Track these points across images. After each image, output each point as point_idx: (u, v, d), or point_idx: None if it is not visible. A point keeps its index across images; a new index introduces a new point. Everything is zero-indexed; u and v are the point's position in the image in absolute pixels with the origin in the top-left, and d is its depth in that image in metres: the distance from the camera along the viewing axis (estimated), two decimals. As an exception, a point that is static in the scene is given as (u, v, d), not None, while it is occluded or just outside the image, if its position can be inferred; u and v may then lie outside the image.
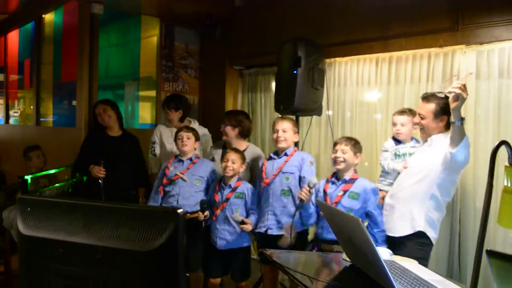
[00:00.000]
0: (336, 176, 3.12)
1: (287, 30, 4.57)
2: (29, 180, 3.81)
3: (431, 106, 2.96)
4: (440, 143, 2.88)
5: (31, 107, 6.05)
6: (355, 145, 3.09)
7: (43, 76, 5.76)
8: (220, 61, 5.49)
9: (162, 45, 5.52)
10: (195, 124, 4.35)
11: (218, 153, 3.89)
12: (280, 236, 3.31)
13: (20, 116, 6.76)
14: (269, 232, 3.34)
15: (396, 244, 2.94)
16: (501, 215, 1.50)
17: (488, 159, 1.47)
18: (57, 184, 4.28)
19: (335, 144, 3.15)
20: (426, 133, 3.04)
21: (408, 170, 3.07)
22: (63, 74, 5.28)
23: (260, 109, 5.32)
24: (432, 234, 2.94)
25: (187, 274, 3.74)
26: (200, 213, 3.39)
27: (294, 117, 3.71)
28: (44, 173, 4.28)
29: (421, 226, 2.92)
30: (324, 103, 4.19)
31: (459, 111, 2.54)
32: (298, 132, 3.57)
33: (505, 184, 1.46)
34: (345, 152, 3.04)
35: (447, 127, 2.93)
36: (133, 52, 5.49)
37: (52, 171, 4.36)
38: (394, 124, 3.33)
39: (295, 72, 3.79)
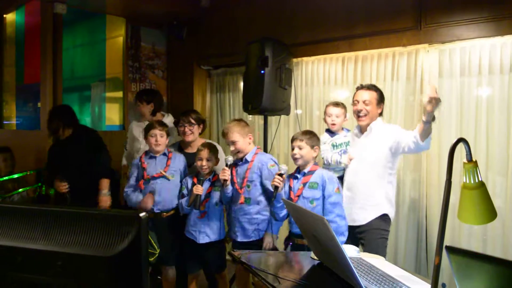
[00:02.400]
0: (298, 170, 3.14)
1: (254, 30, 4.57)
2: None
3: (374, 94, 3.19)
4: (381, 130, 3.17)
5: (-6, 109, 5.88)
6: (311, 138, 3.09)
7: (6, 78, 5.59)
8: (187, 61, 5.45)
9: (128, 46, 5.43)
10: (168, 118, 4.30)
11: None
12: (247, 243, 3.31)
13: (-17, 119, 6.55)
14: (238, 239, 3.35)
15: (361, 228, 3.15)
16: (461, 210, 1.53)
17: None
18: (20, 189, 4.17)
19: (291, 140, 3.16)
20: (369, 120, 3.20)
21: (359, 160, 3.21)
22: (26, 75, 5.15)
23: (229, 109, 5.31)
24: (392, 212, 3.22)
25: (159, 277, 3.72)
26: (199, 186, 3.33)
27: (241, 120, 3.55)
28: (6, 178, 4.15)
29: (385, 209, 3.15)
30: (292, 103, 4.22)
31: (433, 112, 2.68)
32: (252, 132, 3.44)
33: (464, 180, 1.50)
34: (301, 147, 3.05)
35: (380, 114, 3.24)
36: (99, 53, 5.39)
37: (16, 176, 4.24)
38: (329, 116, 3.51)
39: (262, 71, 3.80)
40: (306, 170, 3.09)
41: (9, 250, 1.44)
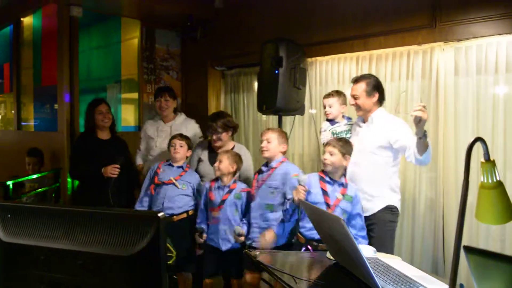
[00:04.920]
0: (329, 177, 3.09)
1: (268, 30, 4.58)
2: (11, 186, 3.76)
3: (362, 86, 3.22)
4: (382, 119, 3.22)
5: (12, 111, 5.98)
6: (344, 146, 3.07)
7: (23, 80, 5.69)
8: (201, 62, 5.48)
9: (143, 47, 5.49)
10: (181, 116, 4.33)
11: (204, 154, 3.87)
12: None
13: (1, 121, 6.66)
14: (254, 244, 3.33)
15: (368, 221, 3.16)
16: (479, 210, 1.52)
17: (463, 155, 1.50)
18: (39, 189, 4.24)
19: (325, 145, 3.17)
20: (362, 111, 3.27)
21: (359, 149, 3.21)
22: (44, 78, 5.22)
23: (243, 109, 5.32)
24: (398, 203, 3.25)
25: (174, 277, 3.74)
26: (198, 237, 3.46)
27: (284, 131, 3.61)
28: (24, 178, 4.23)
29: (391, 200, 3.18)
30: (306, 102, 4.21)
31: (423, 128, 2.72)
32: (286, 145, 3.46)
33: (482, 180, 1.49)
34: (332, 154, 3.03)
35: (379, 102, 3.27)
36: (114, 55, 5.45)
37: (34, 176, 4.31)
38: (324, 106, 3.64)
39: (276, 72, 3.80)
40: (343, 181, 3.08)
41: (31, 249, 1.47)
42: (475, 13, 3.40)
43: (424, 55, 3.75)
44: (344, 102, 3.61)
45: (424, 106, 2.64)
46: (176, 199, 3.56)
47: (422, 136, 2.75)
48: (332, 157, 3.03)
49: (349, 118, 3.64)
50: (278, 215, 3.26)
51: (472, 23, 3.43)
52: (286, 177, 3.28)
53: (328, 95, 3.63)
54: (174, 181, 3.56)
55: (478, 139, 1.39)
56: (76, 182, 4.23)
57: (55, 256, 1.46)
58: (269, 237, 3.19)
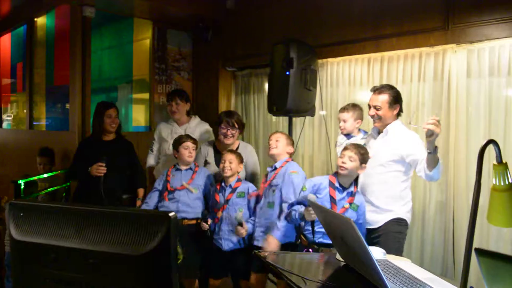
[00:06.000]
0: (338, 181, 3.08)
1: (279, 31, 4.58)
2: (22, 185, 3.80)
3: (385, 97, 3.14)
4: (397, 131, 3.15)
5: (24, 111, 6.04)
6: (364, 155, 3.04)
7: (36, 80, 5.75)
8: (213, 63, 5.50)
9: (155, 48, 5.52)
10: (196, 119, 4.34)
11: (210, 154, 3.88)
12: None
13: (13, 120, 6.74)
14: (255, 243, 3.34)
15: (375, 233, 3.14)
16: (490, 212, 1.51)
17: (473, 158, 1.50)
18: (50, 189, 4.27)
19: (343, 149, 3.13)
20: (382, 123, 3.20)
21: (372, 160, 3.15)
22: (56, 77, 5.27)
23: (254, 111, 5.33)
24: (409, 217, 3.17)
25: (180, 282, 3.74)
26: (204, 223, 3.45)
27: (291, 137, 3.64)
28: (36, 177, 4.26)
29: (400, 214, 3.12)
30: (317, 104, 4.21)
31: (434, 143, 2.68)
32: (292, 148, 3.50)
33: (494, 182, 1.48)
34: (352, 160, 3.01)
35: (398, 114, 3.21)
36: (126, 55, 5.48)
37: (45, 175, 4.34)
38: (338, 121, 3.59)
39: (287, 73, 3.80)
40: (352, 190, 3.07)
41: (42, 248, 1.48)
42: (488, 15, 3.38)
43: (436, 57, 3.72)
44: (360, 117, 3.53)
45: (438, 120, 2.57)
46: (191, 204, 3.57)
47: (432, 151, 2.71)
48: (351, 163, 3.01)
49: (365, 132, 3.58)
50: (277, 212, 3.27)
51: (485, 25, 3.40)
52: (285, 174, 3.30)
53: (343, 109, 3.56)
54: (187, 186, 3.56)
55: (490, 141, 1.38)
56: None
57: (66, 255, 1.47)
58: (273, 244, 3.17)
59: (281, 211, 3.24)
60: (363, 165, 3.04)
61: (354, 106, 3.55)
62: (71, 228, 1.49)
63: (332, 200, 3.03)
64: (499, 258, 1.17)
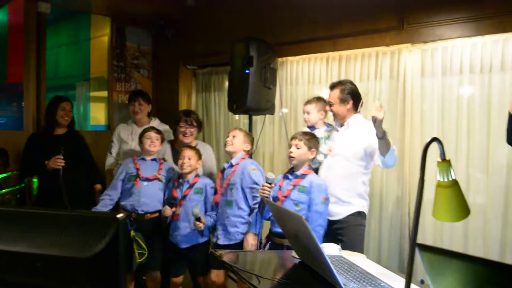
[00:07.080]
0: (292, 171, 3.16)
1: (239, 29, 4.57)
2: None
3: (336, 93, 3.23)
4: (357, 124, 3.22)
5: (-24, 109, 5.82)
6: (310, 140, 3.11)
7: (-12, 77, 5.55)
8: (173, 61, 5.44)
9: (113, 45, 5.41)
10: (155, 121, 4.30)
11: (168, 152, 3.86)
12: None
13: (-34, 119, 6.48)
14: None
15: (338, 225, 3.18)
16: (436, 208, 1.56)
17: (435, 155, 1.54)
18: (3, 190, 4.13)
19: (291, 138, 3.19)
20: (338, 118, 3.29)
21: (334, 154, 3.24)
22: (9, 75, 5.10)
23: (214, 109, 5.31)
24: (366, 208, 3.25)
25: (144, 278, 3.71)
26: (167, 207, 3.41)
27: (249, 133, 3.68)
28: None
29: (360, 207, 3.20)
30: (277, 102, 4.23)
31: (381, 128, 2.78)
32: (250, 145, 3.54)
33: (438, 178, 1.53)
34: (299, 147, 3.07)
35: (355, 108, 3.25)
36: (84, 52, 5.36)
37: (-1, 176, 4.21)
38: (303, 113, 3.63)
39: (247, 71, 3.81)
40: (299, 173, 3.10)
41: (-13, 252, 1.44)
42: (441, 15, 3.48)
43: (392, 56, 3.81)
44: (323, 109, 3.56)
45: (380, 105, 2.69)
46: (154, 196, 3.54)
47: (381, 136, 2.80)
48: (298, 150, 3.06)
49: (329, 125, 3.61)
50: (238, 212, 3.30)
51: (438, 25, 3.50)
52: (244, 172, 3.33)
53: (308, 102, 3.60)
54: (159, 176, 3.56)
55: (434, 139, 1.42)
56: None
57: (14, 259, 1.43)
58: (250, 239, 3.21)
59: (252, 210, 3.29)
60: (312, 149, 3.10)
61: (319, 99, 3.60)
62: (17, 232, 1.45)
63: (279, 188, 3.11)
64: (441, 253, 1.21)
